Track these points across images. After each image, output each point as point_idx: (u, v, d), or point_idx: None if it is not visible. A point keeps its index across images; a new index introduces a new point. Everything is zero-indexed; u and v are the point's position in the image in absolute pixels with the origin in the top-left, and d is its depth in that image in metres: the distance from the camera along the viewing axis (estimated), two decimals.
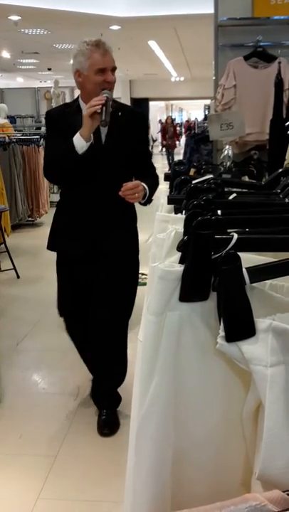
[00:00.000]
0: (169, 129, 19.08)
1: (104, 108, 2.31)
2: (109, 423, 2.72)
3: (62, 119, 2.56)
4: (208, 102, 13.31)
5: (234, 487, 0.87)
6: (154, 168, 2.72)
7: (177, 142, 19.89)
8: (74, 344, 2.86)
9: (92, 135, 2.39)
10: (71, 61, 2.51)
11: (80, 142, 2.37)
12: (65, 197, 2.69)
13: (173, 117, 23.72)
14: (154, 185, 2.53)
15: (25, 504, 2.22)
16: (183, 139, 19.29)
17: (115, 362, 2.75)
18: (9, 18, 8.62)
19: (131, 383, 0.90)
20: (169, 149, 18.60)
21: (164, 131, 19.58)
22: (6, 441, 2.64)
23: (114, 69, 2.45)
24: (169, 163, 16.18)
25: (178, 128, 22.87)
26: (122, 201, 2.44)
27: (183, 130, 23.37)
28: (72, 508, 2.22)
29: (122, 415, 2.74)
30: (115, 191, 2.42)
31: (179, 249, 0.83)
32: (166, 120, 20.38)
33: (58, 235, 2.65)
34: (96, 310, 2.63)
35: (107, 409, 2.76)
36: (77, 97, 2.59)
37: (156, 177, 2.63)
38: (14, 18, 8.65)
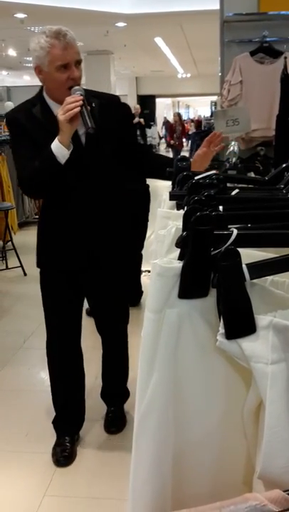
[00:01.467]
0: (178, 128, 16.92)
1: (84, 110, 2.01)
2: (115, 420, 2.71)
3: (31, 121, 2.19)
4: (215, 98, 13.25)
5: (236, 486, 0.86)
6: (144, 147, 2.57)
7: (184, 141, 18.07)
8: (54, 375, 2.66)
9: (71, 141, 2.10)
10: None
11: (60, 151, 2.07)
12: (50, 209, 2.37)
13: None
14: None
15: (32, 501, 2.23)
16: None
17: (117, 361, 2.73)
18: (15, 15, 8.66)
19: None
20: (176, 149, 16.56)
21: (171, 130, 17.53)
22: (12, 439, 2.64)
23: (78, 62, 2.12)
24: None
25: (190, 124, 21.55)
26: (116, 202, 2.35)
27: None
28: (79, 505, 2.22)
29: (129, 414, 2.74)
30: (107, 192, 2.31)
31: (177, 245, 0.82)
32: (173, 117, 18.08)
33: (48, 250, 2.38)
34: (95, 314, 2.63)
35: (114, 407, 2.76)
36: (40, 93, 2.25)
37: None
38: (20, 15, 8.69)
